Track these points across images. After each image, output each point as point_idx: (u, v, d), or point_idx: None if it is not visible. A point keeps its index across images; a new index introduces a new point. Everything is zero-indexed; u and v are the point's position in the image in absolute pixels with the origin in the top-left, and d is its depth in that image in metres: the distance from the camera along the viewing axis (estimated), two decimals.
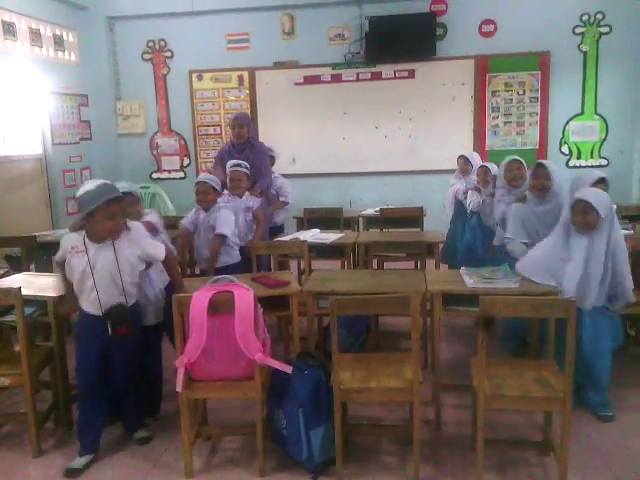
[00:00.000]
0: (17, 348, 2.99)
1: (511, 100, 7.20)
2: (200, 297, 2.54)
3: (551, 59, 6.99)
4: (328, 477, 2.66)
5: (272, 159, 5.42)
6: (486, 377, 2.52)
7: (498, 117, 7.27)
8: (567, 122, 7.16)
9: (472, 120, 7.29)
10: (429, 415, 3.14)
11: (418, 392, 2.54)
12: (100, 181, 2.74)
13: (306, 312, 3.08)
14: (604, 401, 3.13)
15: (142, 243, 2.85)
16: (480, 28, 7.07)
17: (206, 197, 3.93)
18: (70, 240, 2.79)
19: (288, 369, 2.61)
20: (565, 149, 7.22)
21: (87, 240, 2.74)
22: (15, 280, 3.42)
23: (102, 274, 2.74)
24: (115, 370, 2.90)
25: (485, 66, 7.13)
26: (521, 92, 7.15)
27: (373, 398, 2.65)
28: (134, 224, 2.89)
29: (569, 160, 7.22)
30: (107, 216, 2.66)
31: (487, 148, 7.29)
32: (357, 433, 2.99)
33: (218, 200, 4.02)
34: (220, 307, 2.54)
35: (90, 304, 2.80)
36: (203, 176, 4.11)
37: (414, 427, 2.57)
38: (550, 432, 2.75)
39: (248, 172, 4.48)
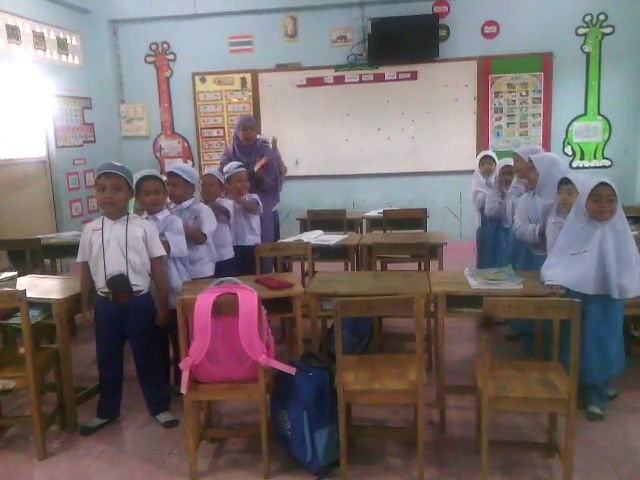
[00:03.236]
0: (22, 350, 3.00)
1: (514, 101, 7.21)
2: (204, 299, 2.54)
3: (554, 60, 7.00)
4: (332, 479, 2.65)
5: None
6: (490, 379, 2.52)
7: (501, 118, 7.28)
8: (570, 123, 7.17)
9: (475, 121, 7.31)
10: (433, 417, 3.14)
11: (422, 394, 2.53)
12: (107, 162, 3.12)
13: (310, 314, 3.08)
14: (602, 396, 3.12)
15: (150, 231, 3.11)
16: (483, 29, 7.08)
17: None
18: (91, 224, 3.16)
19: (292, 371, 2.61)
20: (568, 150, 7.23)
21: (105, 219, 3.08)
22: (20, 283, 3.43)
23: (112, 247, 3.03)
24: (134, 352, 3.18)
25: (488, 67, 7.14)
26: (524, 93, 7.15)
27: (377, 400, 2.65)
28: (146, 221, 3.18)
29: (572, 161, 7.22)
30: (98, 189, 3.03)
31: (490, 149, 7.27)
32: (361, 435, 2.99)
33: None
34: (224, 309, 2.55)
35: (101, 280, 3.05)
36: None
37: (418, 429, 2.57)
38: (555, 434, 2.75)
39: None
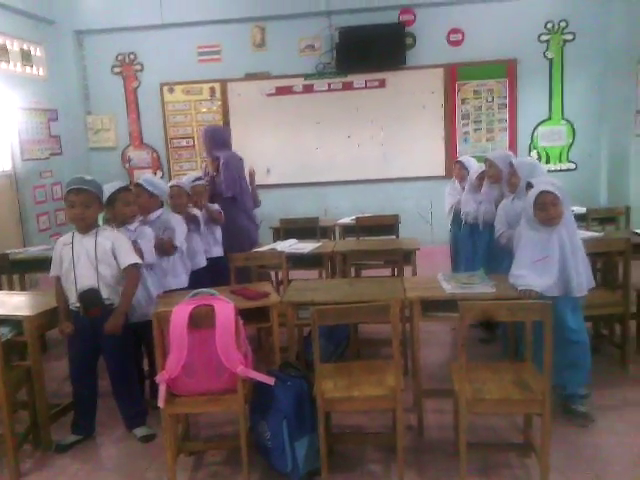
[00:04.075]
0: None
1: (480, 107, 7.34)
2: (180, 311, 2.53)
3: (518, 66, 7.16)
4: None
5: None
6: (467, 381, 2.55)
7: (468, 124, 7.40)
8: (535, 127, 7.33)
9: (443, 128, 7.42)
10: (411, 421, 3.16)
11: (401, 399, 2.56)
12: (76, 176, 3.10)
13: (286, 323, 3.08)
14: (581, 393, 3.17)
15: (118, 242, 3.06)
16: (448, 37, 7.20)
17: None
18: (63, 238, 3.13)
19: (270, 381, 2.61)
20: (534, 154, 7.37)
21: (75, 233, 3.06)
22: None
23: (82, 261, 3.00)
24: (108, 367, 3.14)
25: (454, 74, 7.26)
26: (490, 99, 7.29)
27: (356, 407, 2.66)
28: (116, 232, 3.14)
29: None
30: (68, 205, 3.02)
31: (458, 155, 7.39)
32: (341, 442, 3.00)
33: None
34: (201, 321, 2.53)
35: (73, 295, 3.03)
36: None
37: (397, 434, 2.59)
38: (531, 434, 2.80)
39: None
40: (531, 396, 2.47)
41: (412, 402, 3.19)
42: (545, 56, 7.15)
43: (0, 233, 6.32)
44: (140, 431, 3.18)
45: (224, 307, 2.54)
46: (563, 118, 7.27)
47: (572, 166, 7.35)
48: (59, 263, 3.08)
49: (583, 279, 3.02)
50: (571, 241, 3.02)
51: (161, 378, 2.55)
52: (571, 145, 7.32)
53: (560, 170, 7.33)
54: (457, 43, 7.21)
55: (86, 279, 3.00)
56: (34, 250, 5.01)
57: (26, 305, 3.31)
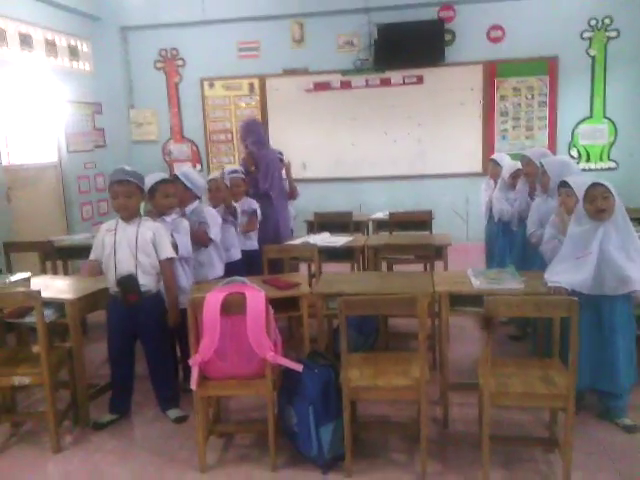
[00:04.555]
0: (35, 349, 3.09)
1: (520, 105, 7.27)
2: (213, 298, 2.63)
3: (559, 64, 7.06)
4: (337, 472, 2.73)
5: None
6: (492, 375, 2.58)
7: (507, 121, 7.34)
8: (576, 125, 7.22)
9: (481, 125, 7.38)
10: (437, 413, 3.21)
11: (425, 390, 2.60)
12: (118, 167, 3.24)
13: (316, 314, 3.15)
14: (623, 405, 3.05)
15: (159, 234, 3.18)
16: (488, 34, 7.15)
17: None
18: (106, 225, 3.29)
19: (299, 367, 2.69)
20: (574, 152, 7.28)
21: (119, 221, 3.19)
22: (34, 283, 3.53)
23: (122, 248, 3.13)
24: (146, 350, 3.28)
25: (493, 71, 7.20)
26: (530, 96, 7.21)
27: (381, 396, 2.72)
28: (158, 224, 3.26)
29: (578, 163, 7.25)
30: (111, 196, 3.16)
31: (496, 152, 7.32)
32: (366, 430, 3.06)
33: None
34: (232, 308, 2.63)
35: (112, 280, 3.16)
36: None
37: (421, 424, 2.64)
38: (555, 429, 2.81)
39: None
40: (555, 391, 2.49)
41: (439, 395, 3.24)
42: (587, 53, 7.03)
43: (46, 221, 6.58)
44: (173, 413, 3.30)
45: (255, 295, 2.63)
46: (605, 116, 7.15)
47: (613, 165, 7.22)
48: (100, 248, 3.22)
49: (631, 274, 2.84)
50: (620, 237, 2.90)
51: (194, 361, 2.66)
52: (612, 144, 7.19)
53: (601, 169, 7.21)
54: (497, 40, 7.15)
55: (125, 266, 3.13)
56: (77, 238, 5.22)
57: (68, 289, 3.47)
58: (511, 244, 4.49)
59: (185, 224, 3.48)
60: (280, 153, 5.56)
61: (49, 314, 3.17)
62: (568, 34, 6.99)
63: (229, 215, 4.05)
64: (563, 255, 3.00)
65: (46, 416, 3.04)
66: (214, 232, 3.68)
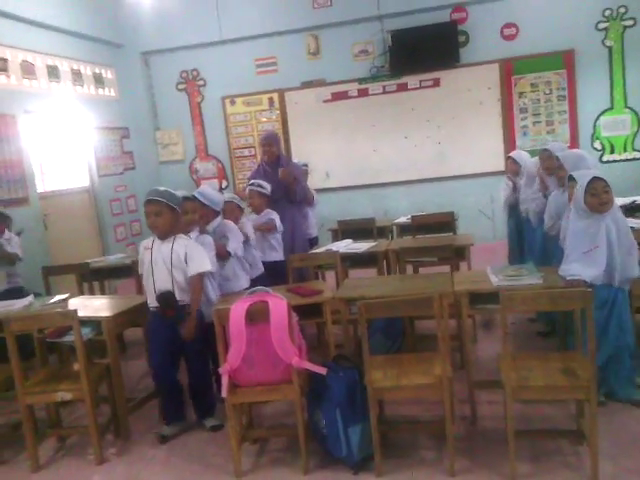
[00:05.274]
0: (76, 366, 3.25)
1: (538, 100, 7.26)
2: (238, 308, 2.75)
3: (576, 56, 7.04)
4: (368, 472, 2.80)
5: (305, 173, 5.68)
6: (513, 370, 2.63)
7: (527, 118, 7.34)
8: (597, 117, 7.17)
9: (501, 123, 7.39)
10: (465, 411, 3.25)
11: (448, 387, 2.67)
12: (151, 188, 3.41)
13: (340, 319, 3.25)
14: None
15: (190, 250, 3.30)
16: (502, 32, 7.18)
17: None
18: (144, 242, 3.44)
19: (323, 371, 2.78)
20: (597, 145, 7.22)
21: (155, 239, 3.34)
22: (71, 303, 3.70)
23: (159, 266, 3.29)
24: (187, 362, 3.41)
25: (510, 69, 7.22)
26: (548, 91, 7.20)
27: (404, 395, 2.80)
28: (190, 240, 3.41)
29: (602, 155, 7.20)
30: (145, 215, 3.33)
31: (517, 149, 7.31)
32: (394, 430, 3.13)
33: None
34: (257, 316, 2.74)
35: (151, 296, 3.31)
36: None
37: (446, 420, 2.70)
38: (582, 421, 2.83)
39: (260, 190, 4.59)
40: (576, 382, 2.53)
41: (466, 393, 3.28)
42: (604, 44, 6.99)
43: (82, 244, 6.83)
44: (210, 421, 3.42)
45: (278, 303, 2.74)
46: (626, 106, 7.08)
47: (638, 155, 7.13)
48: (141, 265, 3.41)
49: (628, 267, 3.01)
50: (619, 230, 3.02)
51: (224, 370, 2.78)
52: (636, 134, 7.11)
53: (626, 160, 7.14)
54: (511, 37, 7.17)
55: (163, 282, 3.27)
56: (112, 258, 5.42)
57: (105, 307, 3.64)
58: (532, 240, 4.51)
59: (209, 240, 3.59)
60: (305, 165, 5.77)
61: (87, 332, 3.32)
62: (583, 26, 6.96)
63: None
64: (570, 251, 3.06)
65: (89, 430, 3.19)
66: (233, 246, 3.76)
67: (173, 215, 3.30)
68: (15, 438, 3.39)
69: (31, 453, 3.18)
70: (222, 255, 3.72)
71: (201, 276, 3.34)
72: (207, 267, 3.33)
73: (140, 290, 4.29)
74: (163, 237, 3.32)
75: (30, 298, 3.88)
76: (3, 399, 3.57)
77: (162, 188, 3.38)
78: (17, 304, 3.73)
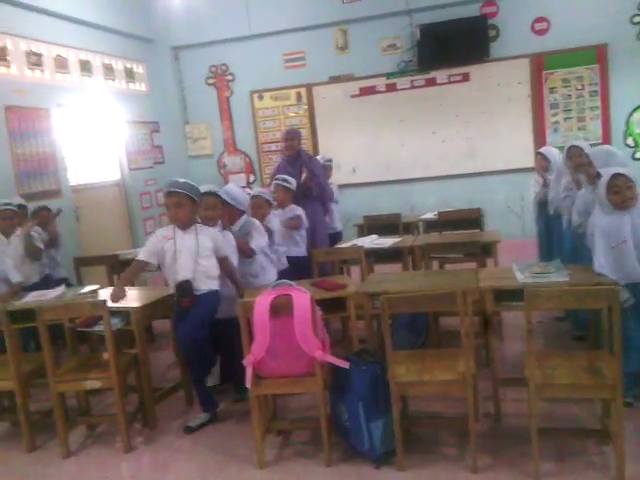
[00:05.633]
0: (105, 355, 3.34)
1: (570, 96, 7.15)
2: (262, 301, 2.78)
3: (609, 51, 6.90)
4: (390, 467, 2.81)
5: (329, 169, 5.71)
6: (538, 368, 2.62)
7: (558, 114, 7.23)
8: (630, 114, 7.03)
9: (531, 118, 7.29)
10: (489, 409, 3.24)
11: (470, 383, 2.66)
12: (170, 180, 3.50)
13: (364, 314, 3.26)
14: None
15: (216, 238, 3.39)
16: (533, 26, 7.08)
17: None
18: (162, 232, 3.46)
19: (345, 364, 2.80)
20: (630, 141, 7.09)
21: (176, 229, 3.37)
22: (101, 294, 3.79)
23: (184, 255, 3.32)
24: (221, 340, 3.49)
25: (541, 64, 7.12)
26: (580, 87, 7.08)
27: (427, 390, 2.80)
28: (214, 230, 3.49)
29: (635, 152, 7.06)
30: (166, 208, 3.40)
31: (548, 145, 7.20)
32: (417, 426, 3.14)
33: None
34: (280, 309, 2.77)
35: (173, 286, 3.35)
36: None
37: (469, 416, 2.70)
38: (608, 421, 2.80)
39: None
40: (602, 381, 2.50)
41: (491, 391, 3.27)
42: (639, 38, 6.84)
43: (112, 236, 6.96)
44: (196, 420, 3.45)
45: (301, 296, 2.77)
46: None
47: None
48: (153, 253, 3.39)
49: None
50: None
51: (248, 361, 2.82)
52: None
53: None
54: (543, 32, 7.06)
55: (186, 271, 3.32)
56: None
57: (134, 298, 3.70)
58: (561, 238, 4.45)
59: (229, 237, 3.62)
60: (329, 160, 5.81)
61: (116, 322, 3.40)
62: (617, 20, 6.82)
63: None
64: (598, 248, 3.01)
65: (117, 418, 3.27)
66: (256, 243, 3.75)
67: (193, 206, 3.36)
68: (47, 425, 3.48)
69: (62, 440, 3.27)
70: (246, 253, 3.72)
71: (227, 259, 3.43)
72: (229, 253, 3.43)
73: None
74: (184, 227, 3.37)
75: (62, 288, 3.97)
76: (36, 387, 3.66)
77: (182, 180, 3.42)
78: (49, 294, 3.82)
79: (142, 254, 3.44)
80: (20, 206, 4.69)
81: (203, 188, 3.57)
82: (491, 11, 7.12)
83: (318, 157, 5.94)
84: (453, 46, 7.07)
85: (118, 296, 3.35)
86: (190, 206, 3.34)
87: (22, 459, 3.30)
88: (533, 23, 7.06)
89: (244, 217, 3.87)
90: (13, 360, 3.29)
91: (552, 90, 7.17)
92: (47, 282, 4.50)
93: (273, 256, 3.98)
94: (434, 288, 3.01)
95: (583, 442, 2.89)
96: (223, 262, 3.43)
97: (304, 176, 5.06)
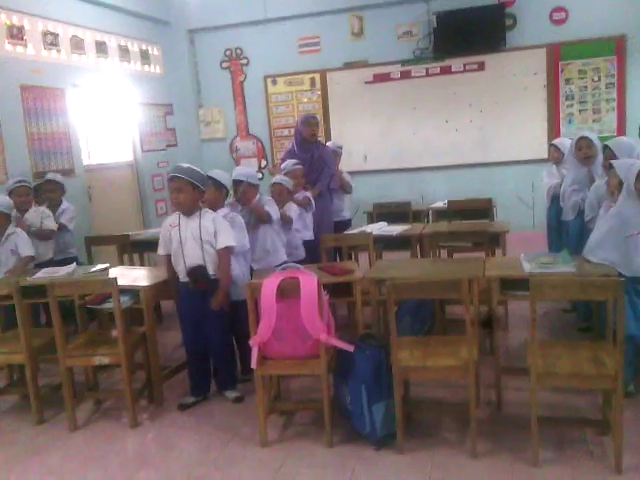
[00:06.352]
0: (114, 332, 3.40)
1: (586, 87, 7.08)
2: (270, 283, 2.82)
3: (627, 43, 6.82)
4: (390, 449, 2.86)
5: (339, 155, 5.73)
6: (541, 357, 2.64)
7: (573, 105, 7.17)
8: None
9: (546, 109, 7.24)
10: (492, 397, 3.27)
11: (473, 370, 2.69)
12: (176, 164, 3.53)
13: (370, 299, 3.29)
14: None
15: (219, 225, 3.38)
16: (551, 16, 7.01)
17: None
18: (169, 220, 3.50)
19: (350, 348, 2.84)
20: None
21: (181, 216, 3.39)
22: (112, 272, 3.84)
23: (189, 242, 3.35)
24: (210, 334, 3.46)
25: (557, 54, 7.05)
26: (596, 78, 7.01)
27: (429, 376, 2.83)
28: (216, 214, 3.47)
29: None
30: (170, 190, 3.40)
31: (562, 137, 7.15)
32: (419, 411, 3.17)
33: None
34: (287, 291, 2.81)
35: (182, 271, 3.39)
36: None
37: (470, 403, 2.72)
38: (608, 411, 2.81)
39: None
40: (603, 371, 2.52)
41: (494, 379, 3.29)
42: None
43: (123, 217, 7.03)
44: (231, 393, 3.53)
45: (308, 280, 2.80)
46: None
47: None
48: (168, 242, 3.46)
49: None
50: None
51: (254, 341, 2.86)
52: None
53: None
54: (560, 22, 6.99)
55: (193, 257, 3.36)
56: (150, 232, 5.58)
57: (143, 277, 3.77)
58: (573, 230, 4.44)
59: (239, 220, 3.66)
60: (340, 147, 5.82)
61: (125, 300, 3.45)
62: (636, 12, 6.72)
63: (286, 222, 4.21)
64: (606, 231, 3.01)
65: (124, 394, 3.33)
66: (272, 211, 3.88)
67: (195, 192, 3.34)
68: (55, 399, 3.56)
69: (69, 414, 3.34)
70: (263, 217, 3.83)
71: (228, 250, 3.40)
72: (232, 242, 3.38)
73: None
74: (188, 213, 3.38)
75: (73, 266, 4.03)
76: (46, 362, 3.74)
77: (185, 165, 3.41)
78: (61, 271, 3.88)
79: (160, 249, 3.54)
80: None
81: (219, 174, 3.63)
82: (509, 0, 7.05)
83: (328, 143, 5.93)
84: (469, 34, 7.00)
85: (172, 296, 3.51)
86: (191, 191, 3.31)
87: (30, 431, 3.38)
88: (551, 13, 6.98)
89: (258, 196, 3.94)
90: (24, 334, 3.36)
91: (568, 81, 7.10)
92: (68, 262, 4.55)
93: (284, 238, 4.02)
94: (441, 276, 3.03)
95: (583, 431, 2.91)
96: (219, 253, 3.37)
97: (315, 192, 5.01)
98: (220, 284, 3.40)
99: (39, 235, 4.51)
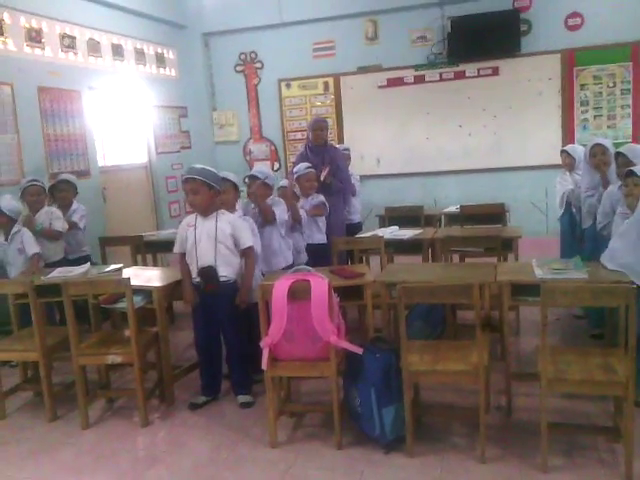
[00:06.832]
0: (127, 332, 3.43)
1: (601, 93, 7.04)
2: (281, 285, 2.84)
3: None
4: (399, 452, 2.86)
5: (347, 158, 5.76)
6: (551, 363, 2.63)
7: (587, 111, 7.13)
8: None
9: (560, 115, 7.20)
10: (502, 402, 3.26)
11: (483, 375, 2.69)
12: (191, 166, 3.52)
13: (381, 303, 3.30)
14: None
15: (238, 226, 3.43)
16: (566, 22, 6.98)
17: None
18: (186, 220, 3.53)
19: (359, 350, 2.85)
20: None
21: (198, 216, 3.43)
22: (126, 273, 3.88)
23: (203, 242, 3.38)
24: (225, 336, 3.53)
25: (572, 60, 7.02)
26: (611, 84, 6.97)
27: (439, 380, 2.84)
28: (234, 216, 3.52)
29: None
30: (185, 192, 3.42)
31: (576, 143, 7.13)
32: (429, 415, 3.17)
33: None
34: (298, 294, 2.83)
35: (194, 271, 3.43)
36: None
37: (480, 408, 2.72)
38: (620, 419, 2.80)
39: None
40: (614, 378, 2.51)
41: (504, 384, 3.29)
42: None
43: (137, 218, 7.08)
44: (242, 398, 3.52)
45: (319, 282, 2.82)
46: None
47: None
48: (184, 241, 3.49)
49: None
50: None
51: (265, 343, 2.88)
52: None
53: None
54: (576, 27, 6.96)
55: (206, 258, 3.39)
56: (164, 233, 5.63)
57: (156, 278, 3.81)
58: (589, 236, 4.42)
59: (251, 222, 3.69)
60: (347, 149, 5.84)
61: (138, 300, 3.48)
62: None
63: (297, 223, 4.24)
64: (630, 238, 2.98)
65: (136, 393, 3.37)
66: (277, 212, 3.89)
67: (210, 192, 3.37)
68: (68, 397, 3.60)
69: (82, 411, 3.38)
70: (269, 217, 3.86)
71: (251, 249, 3.46)
72: (252, 242, 3.45)
73: None
74: (204, 214, 3.42)
75: (87, 266, 4.08)
76: (59, 360, 3.79)
77: (199, 166, 3.44)
78: (75, 270, 3.93)
79: (175, 246, 3.58)
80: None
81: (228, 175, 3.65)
82: (524, 5, 7.03)
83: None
84: (484, 40, 6.99)
85: (190, 299, 3.50)
86: (207, 192, 3.35)
87: (43, 428, 3.43)
88: (566, 18, 6.95)
89: (271, 197, 3.99)
90: (38, 333, 3.40)
91: (583, 87, 7.07)
92: (81, 261, 4.60)
93: (290, 242, 4.04)
94: (452, 280, 3.04)
95: (593, 439, 2.89)
96: (246, 252, 3.45)
97: (324, 174, 4.99)
98: (244, 281, 3.45)
99: (45, 235, 4.55)
